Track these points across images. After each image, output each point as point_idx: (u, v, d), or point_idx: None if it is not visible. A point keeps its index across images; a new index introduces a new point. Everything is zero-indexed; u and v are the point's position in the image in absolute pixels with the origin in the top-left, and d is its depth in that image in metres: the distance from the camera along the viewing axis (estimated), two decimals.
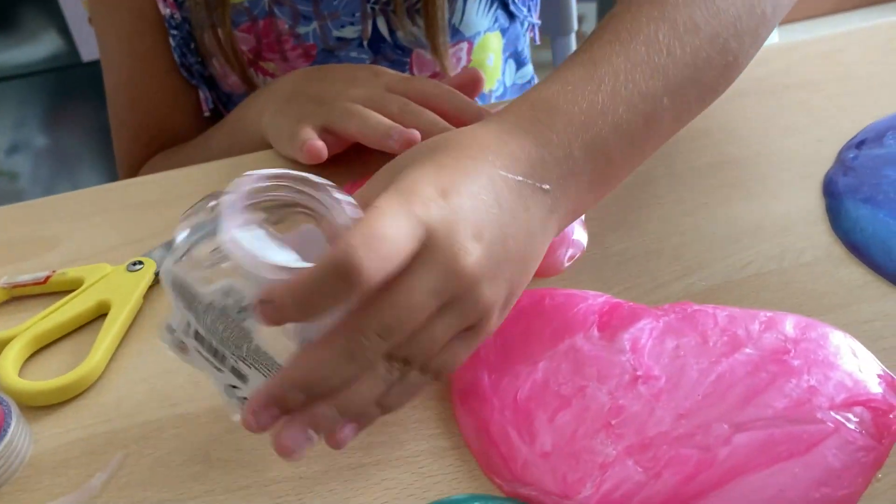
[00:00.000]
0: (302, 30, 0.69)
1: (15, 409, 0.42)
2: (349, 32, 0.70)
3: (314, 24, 0.69)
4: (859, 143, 0.55)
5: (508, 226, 0.37)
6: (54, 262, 0.54)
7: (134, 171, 0.75)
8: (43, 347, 0.48)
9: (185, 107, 0.74)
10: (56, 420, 0.44)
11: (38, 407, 0.44)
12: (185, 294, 0.37)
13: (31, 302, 0.51)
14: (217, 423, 0.41)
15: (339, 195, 0.36)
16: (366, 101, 0.56)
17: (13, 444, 0.41)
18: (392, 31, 0.71)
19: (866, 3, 2.29)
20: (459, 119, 0.55)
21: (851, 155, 0.54)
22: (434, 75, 0.75)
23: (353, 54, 0.71)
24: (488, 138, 0.40)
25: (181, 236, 0.36)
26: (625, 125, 0.41)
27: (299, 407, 0.35)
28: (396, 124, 0.53)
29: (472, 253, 0.35)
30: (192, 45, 0.71)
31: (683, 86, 0.43)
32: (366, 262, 0.31)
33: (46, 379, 0.45)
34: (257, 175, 0.35)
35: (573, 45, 1.02)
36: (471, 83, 0.60)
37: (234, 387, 0.39)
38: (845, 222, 0.49)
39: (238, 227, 0.34)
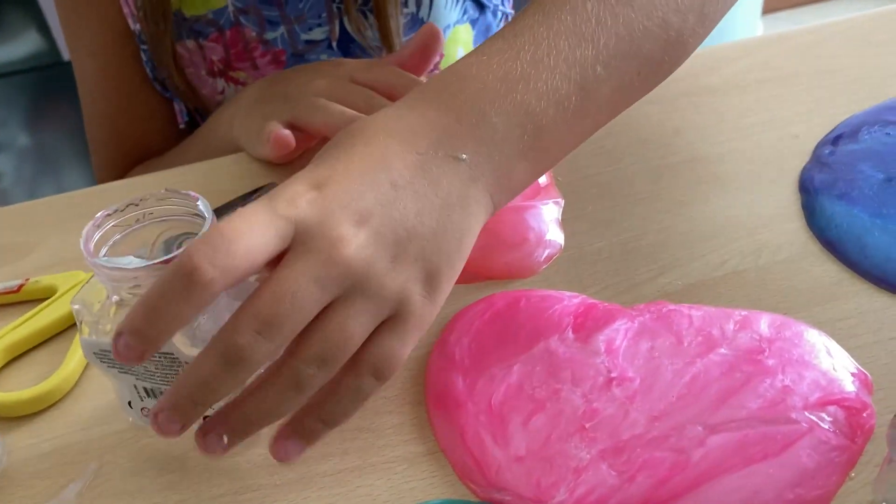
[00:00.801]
0: (270, 35, 0.69)
1: None
2: (317, 34, 0.69)
3: (282, 29, 0.68)
4: (835, 139, 0.55)
5: (410, 203, 0.36)
6: (28, 269, 0.53)
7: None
8: (17, 357, 0.48)
9: (161, 119, 0.74)
10: (30, 430, 0.43)
11: (12, 417, 0.44)
12: (110, 357, 0.38)
13: (4, 311, 0.50)
14: (192, 431, 0.41)
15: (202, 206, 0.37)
16: (330, 91, 0.56)
17: None
18: (361, 32, 0.70)
19: None
20: None
21: (827, 150, 0.54)
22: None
23: (323, 56, 0.70)
24: (386, 119, 0.38)
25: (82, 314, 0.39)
26: (552, 92, 0.39)
27: (196, 417, 0.34)
28: (360, 114, 0.53)
29: (351, 240, 0.34)
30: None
31: (619, 56, 0.41)
32: (206, 260, 0.31)
33: (21, 389, 0.44)
34: (102, 213, 0.38)
35: None
36: (431, 40, 0.58)
37: (206, 416, 0.39)
38: (820, 219, 0.49)
39: (98, 254, 0.37)
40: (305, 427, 0.36)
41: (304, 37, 0.69)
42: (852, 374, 0.40)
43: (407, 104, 0.39)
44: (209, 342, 0.33)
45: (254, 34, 0.68)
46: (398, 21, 0.67)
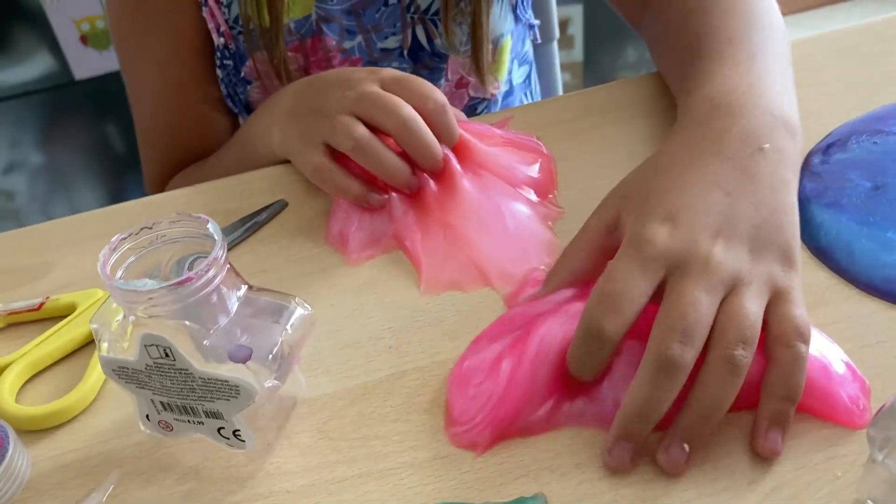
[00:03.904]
0: (347, 44, 0.72)
1: (12, 434, 0.43)
2: (391, 43, 0.73)
3: (359, 38, 0.72)
4: (826, 148, 0.56)
5: (745, 203, 0.42)
6: (47, 288, 0.55)
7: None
8: (39, 372, 0.50)
9: (218, 133, 0.76)
10: (52, 443, 0.45)
11: (35, 430, 0.46)
12: (128, 373, 0.40)
13: (26, 328, 0.52)
14: (206, 442, 0.43)
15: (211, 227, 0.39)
16: (356, 107, 0.55)
17: (11, 468, 0.42)
18: (430, 40, 0.74)
19: None
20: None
21: (818, 160, 0.56)
22: (462, 81, 0.79)
23: (395, 64, 0.74)
24: (681, 141, 0.47)
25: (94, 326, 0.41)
26: (782, 92, 0.50)
27: (644, 437, 0.39)
28: (380, 141, 0.53)
29: (715, 250, 0.40)
30: (241, 74, 0.73)
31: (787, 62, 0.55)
32: (606, 321, 0.40)
33: (42, 403, 0.46)
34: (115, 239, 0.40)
35: (555, 52, 1.04)
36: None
37: (221, 428, 0.41)
38: (810, 226, 0.51)
39: (114, 276, 0.38)
40: (774, 412, 0.40)
41: (379, 45, 0.73)
42: (848, 367, 0.42)
43: (687, 126, 0.48)
44: (641, 369, 0.39)
45: (334, 43, 0.71)
46: (487, 34, 0.73)
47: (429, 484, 0.41)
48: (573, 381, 0.42)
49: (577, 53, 1.84)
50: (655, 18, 0.66)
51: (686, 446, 0.39)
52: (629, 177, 0.47)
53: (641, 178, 0.46)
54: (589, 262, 0.45)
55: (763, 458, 0.39)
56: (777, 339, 0.40)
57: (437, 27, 0.74)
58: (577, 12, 1.78)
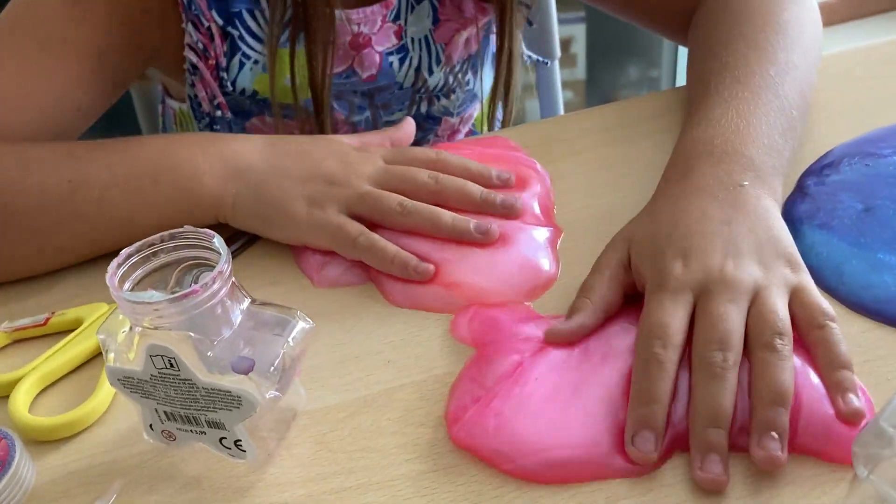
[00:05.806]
0: (355, 118, 0.74)
1: (19, 443, 0.44)
2: (396, 116, 0.76)
3: (367, 114, 0.74)
4: (818, 170, 0.58)
5: (742, 228, 0.47)
6: (51, 302, 0.56)
7: None
8: (49, 385, 0.50)
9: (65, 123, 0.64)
10: (57, 452, 0.46)
11: (45, 441, 0.47)
12: (133, 383, 0.42)
13: (33, 344, 0.53)
14: (208, 452, 0.44)
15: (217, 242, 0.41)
16: (385, 179, 0.56)
17: (17, 476, 0.43)
18: (429, 106, 0.77)
19: (851, 17, 2.32)
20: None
21: (812, 181, 0.57)
22: (454, 133, 0.82)
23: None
24: (676, 189, 0.52)
25: (101, 337, 0.42)
26: (774, 130, 0.54)
27: (723, 441, 0.41)
28: (407, 257, 0.52)
29: (733, 271, 0.45)
30: (242, 128, 0.73)
31: (801, 101, 0.58)
32: (661, 348, 0.43)
33: (55, 415, 0.47)
34: (123, 252, 0.41)
35: (557, 71, 1.05)
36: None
37: (223, 438, 0.42)
38: (801, 247, 0.51)
39: (122, 288, 0.40)
40: (837, 381, 0.42)
41: (384, 119, 0.75)
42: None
43: (674, 175, 0.53)
44: (693, 385, 0.42)
45: (343, 117, 0.73)
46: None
47: (425, 496, 0.41)
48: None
49: (580, 72, 1.86)
50: (691, 36, 0.68)
51: (775, 434, 0.40)
52: (631, 224, 0.52)
53: (644, 224, 0.51)
54: (612, 293, 0.48)
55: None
56: (809, 323, 0.44)
57: (439, 100, 0.77)
58: (579, 31, 1.80)
